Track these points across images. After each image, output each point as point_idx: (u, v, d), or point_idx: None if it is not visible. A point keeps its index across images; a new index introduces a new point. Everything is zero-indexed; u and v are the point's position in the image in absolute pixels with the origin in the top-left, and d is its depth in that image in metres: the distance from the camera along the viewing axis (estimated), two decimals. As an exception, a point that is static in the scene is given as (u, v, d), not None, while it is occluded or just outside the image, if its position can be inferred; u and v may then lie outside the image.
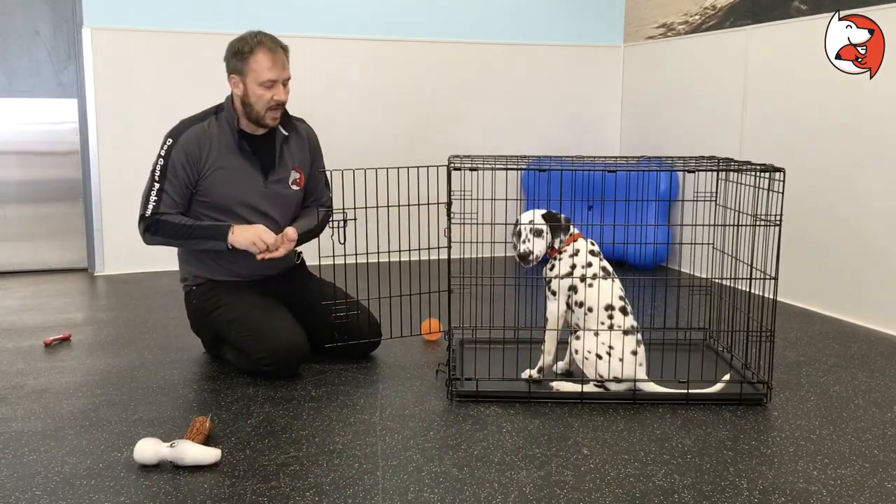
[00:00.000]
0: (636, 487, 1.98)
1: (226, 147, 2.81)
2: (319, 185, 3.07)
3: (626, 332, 2.55)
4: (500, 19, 5.05)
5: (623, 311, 2.58)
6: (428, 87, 4.96)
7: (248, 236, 2.73)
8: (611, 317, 2.56)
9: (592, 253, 2.64)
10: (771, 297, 2.51)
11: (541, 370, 2.66)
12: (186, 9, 4.48)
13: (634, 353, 2.55)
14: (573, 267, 2.61)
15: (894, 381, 2.81)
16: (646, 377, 2.57)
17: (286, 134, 2.92)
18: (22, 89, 4.49)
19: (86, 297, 4.05)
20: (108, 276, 4.48)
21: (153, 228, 2.74)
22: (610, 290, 2.58)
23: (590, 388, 2.55)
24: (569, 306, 2.64)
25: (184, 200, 2.79)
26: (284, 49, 2.82)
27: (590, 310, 2.58)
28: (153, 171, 2.78)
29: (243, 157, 2.83)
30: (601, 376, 2.54)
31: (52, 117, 4.56)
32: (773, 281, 2.52)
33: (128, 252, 4.50)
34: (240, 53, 2.77)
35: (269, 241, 2.74)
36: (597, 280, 2.58)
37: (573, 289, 2.61)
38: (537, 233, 2.62)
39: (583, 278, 2.59)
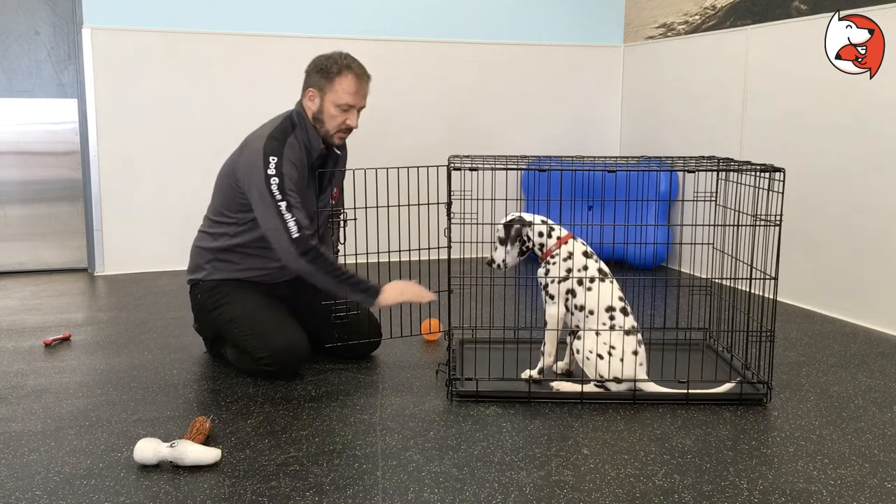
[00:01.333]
0: (636, 487, 1.98)
1: (305, 166, 2.81)
2: (341, 199, 3.13)
3: (626, 333, 2.55)
4: (500, 19, 5.05)
5: (624, 311, 2.58)
6: (428, 87, 4.96)
7: (397, 292, 2.72)
8: (612, 318, 2.56)
9: (586, 254, 2.64)
10: (771, 297, 2.51)
11: (541, 371, 2.67)
12: (186, 9, 4.48)
13: (635, 353, 2.55)
14: (569, 271, 2.61)
15: (894, 381, 2.81)
16: (646, 377, 2.57)
17: (339, 153, 2.96)
18: (22, 89, 4.49)
19: (86, 297, 4.05)
20: (108, 276, 4.48)
21: (311, 256, 2.63)
22: (609, 293, 2.58)
23: (590, 388, 2.55)
24: (567, 309, 2.64)
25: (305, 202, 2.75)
26: (369, 78, 2.83)
27: (590, 312, 2.58)
28: (270, 193, 2.64)
29: (311, 176, 2.84)
30: (601, 376, 2.55)
31: (52, 117, 4.56)
32: (773, 281, 2.52)
33: (128, 252, 4.50)
34: (326, 71, 2.76)
35: (415, 294, 2.74)
36: (595, 283, 2.58)
37: (571, 292, 2.61)
38: (500, 241, 2.66)
39: (580, 282, 2.59)
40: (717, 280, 3.02)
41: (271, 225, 2.64)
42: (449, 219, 2.56)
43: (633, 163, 2.96)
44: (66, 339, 3.22)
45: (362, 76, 2.80)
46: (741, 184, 2.74)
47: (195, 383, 2.73)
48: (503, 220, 2.67)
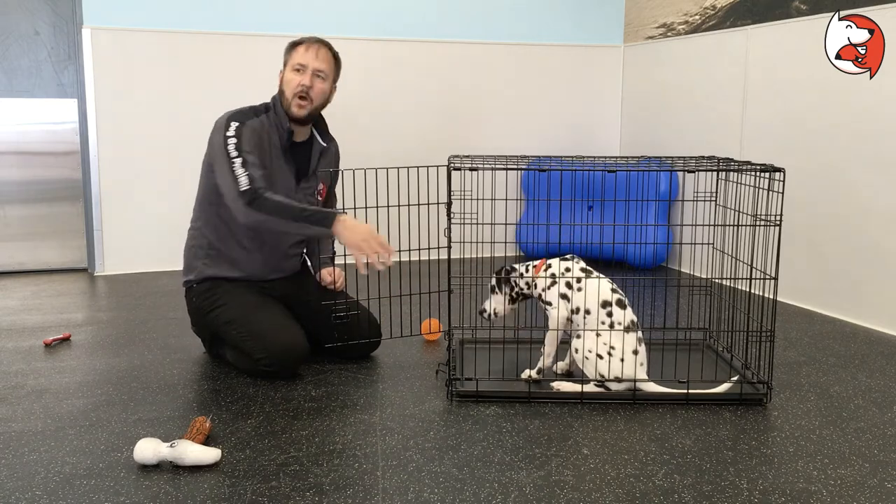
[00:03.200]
0: (636, 487, 1.98)
1: (275, 146, 2.83)
2: (333, 198, 3.14)
3: (626, 329, 2.55)
4: (500, 19, 5.05)
5: (620, 304, 2.58)
6: (428, 87, 4.96)
7: (360, 233, 2.60)
8: (609, 314, 2.56)
9: (564, 258, 2.67)
10: (771, 297, 2.51)
11: (540, 371, 2.67)
12: (186, 9, 4.48)
13: (635, 352, 2.55)
14: (553, 276, 2.63)
15: (894, 381, 2.81)
16: (646, 377, 2.57)
17: (324, 145, 2.96)
18: (22, 89, 4.49)
19: (86, 297, 4.05)
20: (108, 276, 4.48)
21: (257, 203, 2.60)
22: (599, 288, 2.58)
23: (590, 388, 2.55)
24: (567, 314, 2.64)
25: (266, 171, 2.73)
26: (328, 47, 2.88)
27: (587, 312, 2.58)
28: (226, 152, 2.68)
29: (285, 159, 2.85)
30: (602, 376, 2.55)
31: (52, 117, 4.56)
32: (773, 281, 2.52)
33: (128, 252, 4.50)
34: (288, 47, 2.88)
35: (379, 245, 2.60)
36: (583, 282, 2.59)
37: (563, 297, 2.62)
38: (492, 289, 2.70)
39: (569, 284, 2.60)
40: (717, 280, 3.02)
41: (225, 181, 2.66)
42: (449, 219, 2.56)
43: (633, 163, 2.96)
44: (66, 339, 3.22)
45: (318, 42, 2.86)
46: (741, 184, 2.74)
47: (195, 383, 2.73)
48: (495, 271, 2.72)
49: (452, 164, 2.57)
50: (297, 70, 2.81)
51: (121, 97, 4.42)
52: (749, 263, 2.65)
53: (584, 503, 1.90)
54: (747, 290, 2.65)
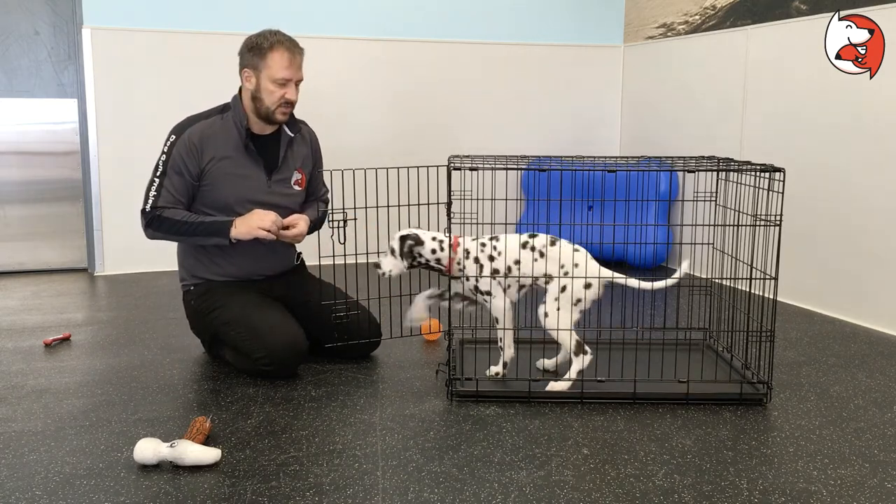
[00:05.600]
0: (636, 487, 1.98)
1: (232, 145, 2.82)
2: (318, 185, 3.10)
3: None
4: (500, 19, 5.05)
5: (553, 242, 2.59)
6: (428, 87, 4.96)
7: (251, 224, 2.72)
8: (542, 254, 2.57)
9: (475, 240, 2.64)
10: (771, 297, 2.51)
11: (505, 365, 2.68)
12: (186, 9, 4.48)
13: (588, 286, 2.56)
14: (477, 261, 2.61)
15: (894, 381, 2.81)
16: (612, 274, 2.59)
17: (291, 135, 2.94)
18: (22, 89, 4.49)
19: (86, 297, 4.05)
20: (108, 276, 4.48)
21: (154, 224, 2.76)
22: (516, 241, 2.60)
23: (591, 386, 2.55)
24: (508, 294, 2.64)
25: (184, 196, 2.80)
26: (301, 51, 2.84)
27: (549, 275, 2.58)
28: (156, 167, 2.81)
29: (248, 156, 2.84)
30: (575, 344, 2.56)
31: (52, 117, 4.56)
32: (773, 281, 2.52)
33: (128, 252, 4.50)
34: (257, 48, 2.78)
35: (268, 223, 2.72)
36: (502, 255, 2.59)
37: (498, 272, 2.61)
38: (391, 251, 2.67)
39: (491, 258, 2.60)
40: (717, 280, 3.02)
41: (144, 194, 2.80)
42: (449, 219, 2.56)
43: (633, 163, 2.96)
44: (66, 339, 3.22)
45: (294, 49, 2.81)
46: (741, 184, 2.74)
47: (195, 383, 2.73)
48: (398, 234, 2.67)
49: (452, 164, 2.57)
50: (281, 84, 2.78)
51: (121, 97, 4.42)
52: (749, 263, 2.65)
53: (584, 503, 1.90)
54: (747, 290, 2.65)
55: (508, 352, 2.68)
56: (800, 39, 3.84)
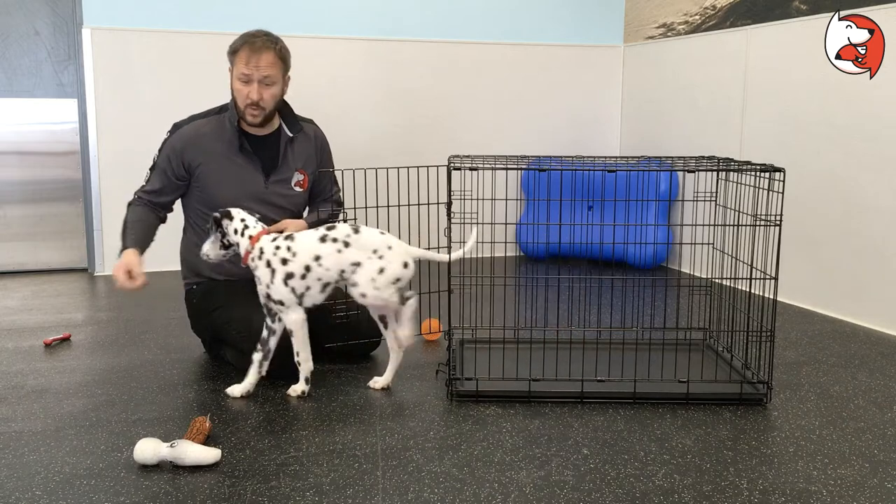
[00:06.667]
0: (636, 487, 1.98)
1: (226, 145, 2.82)
2: (326, 185, 3.06)
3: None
4: (500, 19, 5.05)
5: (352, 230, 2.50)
6: (428, 87, 4.96)
7: (116, 265, 2.71)
8: (346, 244, 2.48)
9: (272, 241, 2.52)
10: (771, 297, 2.51)
11: (307, 381, 2.58)
12: (186, 9, 4.48)
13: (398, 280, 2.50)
14: (269, 264, 2.49)
15: (894, 381, 2.81)
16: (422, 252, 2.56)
17: (291, 135, 2.93)
18: (22, 89, 4.49)
19: (86, 297, 4.05)
20: (109, 276, 4.48)
21: (128, 208, 2.87)
22: (314, 235, 2.50)
23: (591, 386, 2.55)
24: (302, 301, 2.53)
25: (165, 189, 2.86)
26: (271, 49, 2.76)
27: (356, 262, 2.49)
28: (153, 158, 2.91)
29: (244, 156, 2.84)
30: (398, 296, 2.50)
31: (52, 117, 4.56)
32: (773, 281, 2.52)
33: (128, 252, 4.50)
34: (231, 47, 2.81)
35: (119, 277, 2.65)
36: (300, 245, 2.49)
37: (290, 276, 2.48)
38: (210, 228, 2.58)
39: (284, 261, 2.47)
40: (717, 280, 3.02)
41: None
42: (449, 219, 2.56)
43: (633, 163, 2.96)
44: (66, 339, 3.22)
45: (261, 48, 2.74)
46: (741, 184, 2.74)
47: (195, 383, 2.73)
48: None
49: (452, 164, 2.57)
50: (244, 81, 2.75)
51: (121, 97, 4.42)
52: (749, 263, 2.65)
53: (584, 503, 1.90)
54: (747, 290, 2.65)
55: (306, 366, 2.57)
56: (800, 39, 3.85)
